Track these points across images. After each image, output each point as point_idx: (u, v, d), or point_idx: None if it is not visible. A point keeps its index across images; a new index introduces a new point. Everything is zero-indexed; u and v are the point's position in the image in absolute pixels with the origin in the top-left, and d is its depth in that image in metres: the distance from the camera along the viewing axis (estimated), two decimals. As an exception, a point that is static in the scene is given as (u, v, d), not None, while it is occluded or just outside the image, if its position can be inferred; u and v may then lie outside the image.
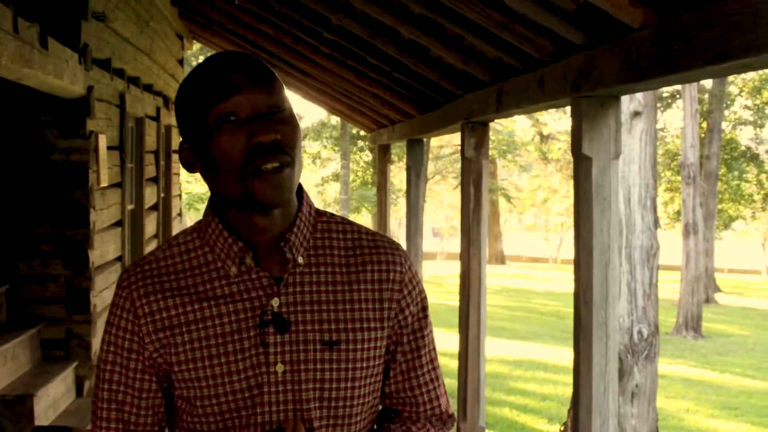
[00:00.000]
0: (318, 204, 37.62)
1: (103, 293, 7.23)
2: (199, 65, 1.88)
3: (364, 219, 40.37)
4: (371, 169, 34.75)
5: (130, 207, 8.54)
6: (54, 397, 6.19)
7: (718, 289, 31.32)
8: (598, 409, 4.26)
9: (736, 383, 16.40)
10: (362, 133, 31.24)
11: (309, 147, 36.14)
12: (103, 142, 7.06)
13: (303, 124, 34.13)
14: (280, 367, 1.84)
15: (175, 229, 12.51)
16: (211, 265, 1.89)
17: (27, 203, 6.66)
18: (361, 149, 34.22)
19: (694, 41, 3.04)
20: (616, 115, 4.24)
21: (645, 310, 9.34)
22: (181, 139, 1.93)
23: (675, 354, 18.64)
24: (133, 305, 1.88)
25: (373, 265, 1.93)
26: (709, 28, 2.93)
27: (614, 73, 3.77)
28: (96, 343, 6.94)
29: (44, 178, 6.67)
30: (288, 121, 1.82)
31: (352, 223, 2.01)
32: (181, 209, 13.81)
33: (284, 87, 1.88)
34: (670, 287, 24.37)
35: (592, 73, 4.03)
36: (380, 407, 2.03)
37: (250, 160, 1.77)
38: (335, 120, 32.95)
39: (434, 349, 2.04)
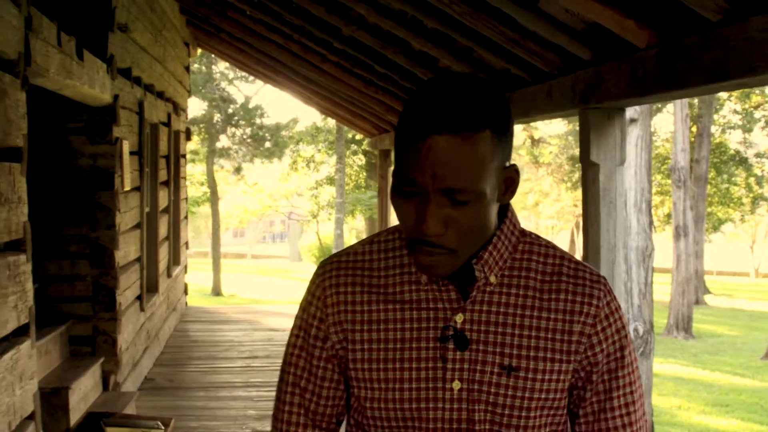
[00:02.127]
0: (312, 206, 37.95)
1: (126, 292, 7.56)
2: (414, 97, 1.73)
3: (358, 222, 40.73)
4: (364, 173, 35.08)
5: (146, 210, 8.87)
6: (84, 391, 6.51)
7: (707, 291, 31.79)
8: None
9: (726, 381, 16.81)
10: (357, 137, 31.57)
11: (303, 151, 36.40)
12: (126, 147, 7.40)
13: (298, 128, 34.43)
14: (456, 385, 1.80)
15: (184, 231, 12.85)
16: (405, 267, 1.87)
17: (55, 206, 6.97)
18: (355, 153, 34.52)
19: (697, 62, 3.39)
20: (621, 125, 4.61)
21: (641, 308, 9.73)
22: None
23: (666, 353, 19.03)
24: (324, 293, 1.89)
25: (568, 294, 1.84)
26: (710, 51, 3.29)
27: (621, 87, 4.12)
28: (121, 340, 7.28)
29: (71, 183, 6.99)
30: (471, 209, 1.70)
31: (555, 248, 1.91)
32: (187, 212, 14.14)
33: (489, 156, 1.68)
34: (660, 289, 24.77)
35: (600, 86, 4.38)
36: None
37: (412, 240, 1.74)
38: (330, 124, 33.23)
39: (633, 392, 1.89)
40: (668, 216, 29.81)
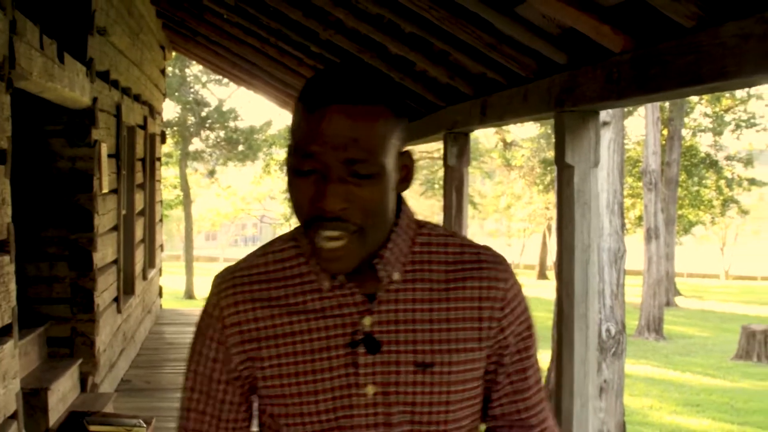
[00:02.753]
0: (285, 209, 37.98)
1: (104, 294, 7.60)
2: (310, 83, 1.70)
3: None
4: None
5: (123, 212, 8.91)
6: (63, 392, 6.55)
7: (678, 293, 32.05)
8: (579, 391, 4.72)
9: (697, 381, 16.99)
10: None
11: (277, 154, 36.43)
12: (104, 150, 7.45)
13: (271, 131, 34.43)
14: (370, 389, 1.76)
15: (159, 234, 12.88)
16: (305, 276, 1.81)
17: (34, 208, 7.00)
18: (327, 156, 34.56)
19: (670, 66, 3.49)
20: (595, 128, 4.70)
21: (612, 309, 9.85)
22: None
23: (638, 354, 19.19)
24: (221, 314, 1.82)
25: (473, 281, 1.81)
26: (683, 55, 3.38)
27: (597, 91, 4.22)
28: (99, 342, 7.32)
29: (50, 185, 7.02)
30: (372, 185, 1.66)
31: (455, 236, 1.90)
32: (162, 215, 14.16)
33: (389, 134, 1.67)
34: (631, 291, 24.95)
35: (575, 90, 4.48)
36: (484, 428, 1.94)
37: (310, 222, 1.68)
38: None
39: (539, 368, 1.94)
40: (639, 218, 30.01)
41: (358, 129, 1.62)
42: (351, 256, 1.69)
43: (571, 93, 4.54)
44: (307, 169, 1.65)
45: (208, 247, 63.31)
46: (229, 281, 1.83)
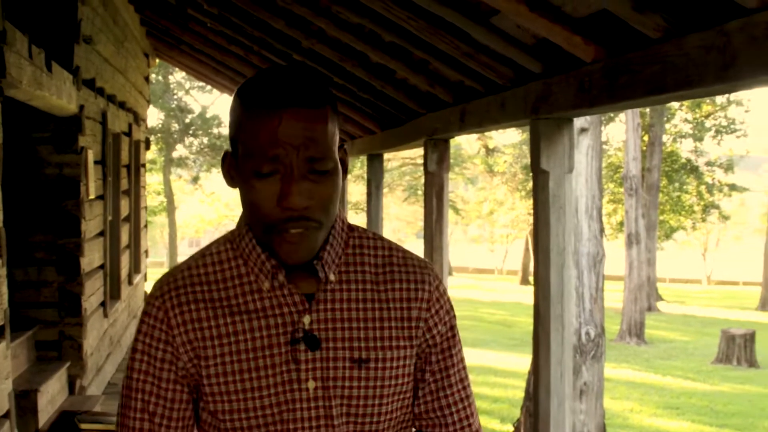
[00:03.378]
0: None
1: (91, 298, 7.72)
2: (258, 89, 1.79)
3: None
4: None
5: (109, 218, 9.02)
6: (52, 394, 6.67)
7: (659, 298, 32.28)
8: (555, 391, 4.87)
9: (678, 385, 17.17)
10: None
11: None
12: (91, 157, 7.57)
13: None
14: (311, 384, 1.85)
15: (143, 240, 12.98)
16: (243, 278, 1.89)
17: (22, 214, 7.12)
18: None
19: (638, 75, 3.65)
20: (569, 134, 4.86)
21: (592, 312, 10.01)
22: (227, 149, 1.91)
23: (619, 359, 19.38)
24: (166, 315, 1.87)
25: (402, 283, 1.93)
26: (650, 65, 3.54)
27: (569, 99, 4.37)
28: (86, 345, 7.43)
29: (38, 191, 7.15)
30: (327, 181, 1.77)
31: (383, 239, 2.00)
32: (146, 221, 14.27)
33: (335, 129, 1.80)
34: (613, 296, 25.19)
35: (549, 98, 4.63)
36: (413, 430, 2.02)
37: (277, 223, 1.77)
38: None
39: (464, 368, 2.04)
40: (621, 224, 30.25)
41: (315, 130, 1.73)
42: (310, 248, 1.79)
43: (545, 101, 4.69)
44: (268, 171, 1.74)
45: (192, 253, 63.23)
46: (172, 284, 1.90)
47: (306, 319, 1.85)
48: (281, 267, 1.84)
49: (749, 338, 19.24)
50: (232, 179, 1.88)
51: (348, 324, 1.87)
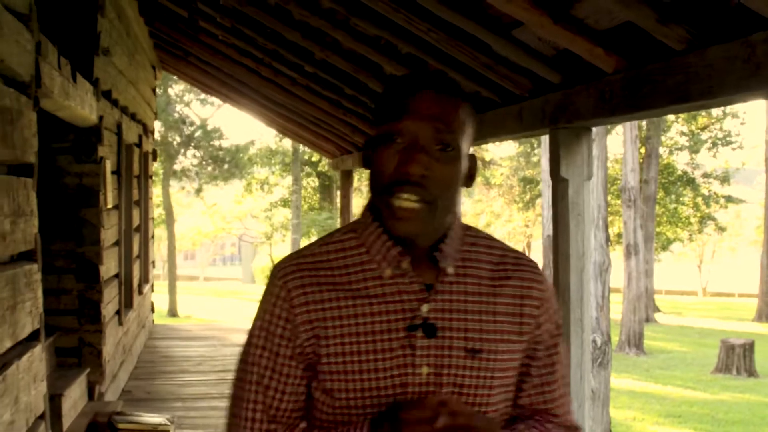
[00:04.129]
0: (266, 228, 38.20)
1: (108, 306, 7.84)
2: (401, 78, 1.97)
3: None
4: (318, 195, 35.40)
5: (123, 228, 9.15)
6: (74, 399, 6.78)
7: (657, 309, 32.42)
8: (575, 393, 5.01)
9: (678, 394, 17.31)
10: (313, 158, 31.91)
11: (257, 173, 36.64)
12: (108, 167, 7.70)
13: (252, 150, 34.65)
14: (425, 370, 1.92)
15: (151, 250, 13.10)
16: (365, 265, 1.97)
17: (42, 223, 7.22)
18: (309, 175, 34.83)
19: (660, 86, 3.78)
20: (588, 143, 5.00)
21: (598, 320, 10.15)
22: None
23: (620, 369, 19.49)
24: (289, 294, 1.96)
25: (515, 281, 2.02)
26: (672, 75, 3.68)
27: (590, 109, 4.50)
28: (105, 352, 7.55)
29: (57, 200, 7.26)
30: (447, 161, 1.87)
31: (494, 239, 2.10)
32: (154, 232, 14.38)
33: (466, 124, 1.92)
34: (612, 307, 25.38)
35: (569, 108, 4.77)
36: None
37: (391, 186, 1.86)
38: (284, 146, 33.50)
39: (565, 365, 2.11)
40: (618, 236, 30.40)
41: (444, 110, 1.86)
42: (421, 222, 1.88)
43: (565, 111, 4.82)
44: (395, 138, 1.87)
45: (187, 266, 63.22)
46: (295, 266, 2.00)
47: (424, 308, 1.93)
48: (406, 254, 1.93)
49: (748, 348, 19.38)
50: (366, 161, 1.97)
51: (464, 315, 1.95)
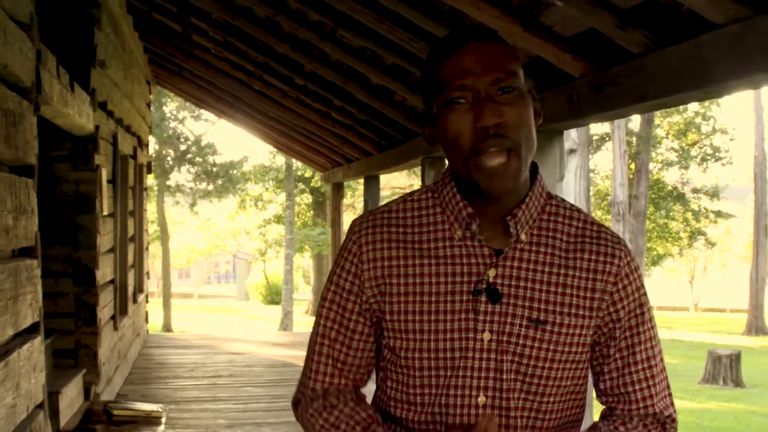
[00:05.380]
0: (260, 244, 38.38)
1: (104, 310, 8.08)
2: (440, 40, 1.95)
3: (304, 260, 41.15)
4: (311, 212, 35.62)
5: (119, 236, 9.38)
6: (71, 398, 7.00)
7: (648, 323, 32.56)
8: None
9: (665, 403, 17.50)
10: (307, 174, 32.16)
11: (251, 190, 36.86)
12: (104, 175, 7.95)
13: (246, 167, 34.89)
14: (486, 335, 1.90)
15: (146, 261, 13.34)
16: (438, 225, 1.97)
17: (40, 228, 7.45)
18: (303, 191, 35.06)
19: (621, 87, 4.05)
20: (560, 146, 5.28)
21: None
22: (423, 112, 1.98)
23: (608, 380, 19.69)
24: (360, 249, 1.98)
25: (591, 254, 1.96)
26: (632, 77, 3.95)
27: (559, 112, 4.77)
28: (101, 354, 7.78)
29: (55, 206, 7.50)
30: (516, 102, 1.85)
31: (580, 211, 2.04)
32: (148, 243, 14.62)
33: (517, 65, 1.90)
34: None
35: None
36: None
37: (474, 145, 1.84)
38: (278, 163, 33.72)
39: (654, 347, 2.02)
40: (609, 251, 30.60)
41: (494, 55, 1.87)
42: (510, 174, 1.85)
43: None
44: (457, 96, 1.85)
45: (181, 285, 63.17)
46: (370, 222, 2.02)
47: (491, 273, 1.92)
48: (476, 216, 1.93)
49: (735, 359, 19.60)
50: (430, 138, 2.00)
51: (531, 284, 1.93)
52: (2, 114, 4.13)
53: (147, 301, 13.83)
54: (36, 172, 4.97)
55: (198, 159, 31.92)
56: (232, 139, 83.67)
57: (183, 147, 31.76)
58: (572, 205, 2.05)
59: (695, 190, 34.75)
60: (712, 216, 34.51)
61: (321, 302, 2.05)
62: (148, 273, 13.99)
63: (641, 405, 2.00)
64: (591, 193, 31.50)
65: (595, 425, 2.01)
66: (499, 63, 1.85)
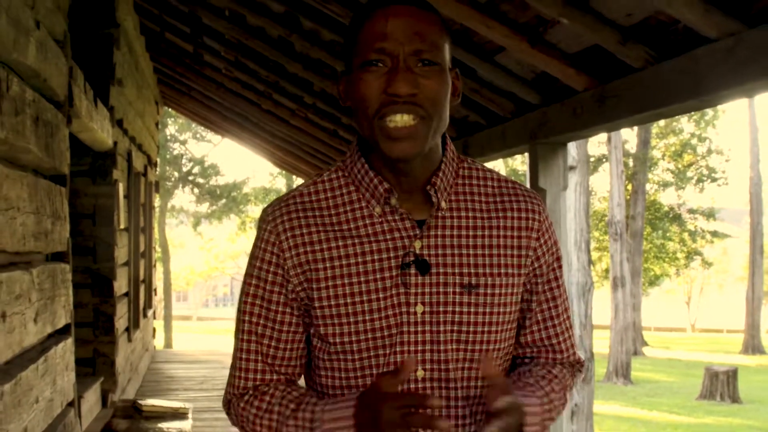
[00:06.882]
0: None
1: (120, 320, 8.34)
2: (367, 1, 1.86)
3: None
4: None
5: (132, 250, 9.65)
6: (90, 404, 7.26)
7: (645, 343, 32.80)
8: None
9: (663, 418, 17.75)
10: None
11: (252, 211, 37.08)
12: (122, 190, 8.23)
13: (246, 189, 35.12)
14: (419, 308, 1.83)
15: (154, 277, 13.60)
16: (355, 204, 1.89)
17: (60, 241, 7.74)
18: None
19: (622, 99, 4.34)
20: (564, 156, 5.55)
21: (581, 338, 10.66)
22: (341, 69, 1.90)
23: (606, 397, 19.93)
24: (278, 238, 1.88)
25: (513, 212, 1.92)
26: (631, 90, 4.23)
27: (564, 124, 5.05)
28: (118, 363, 8.04)
29: (74, 219, 7.76)
30: (434, 76, 1.78)
31: (492, 171, 1.99)
32: (156, 260, 14.87)
33: (444, 38, 1.83)
34: (599, 343, 25.80)
35: (546, 125, 5.32)
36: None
37: (381, 108, 1.77)
38: (278, 185, 33.95)
39: (567, 299, 2.03)
40: (606, 271, 30.90)
41: (420, 24, 1.79)
42: (418, 140, 1.79)
43: (542, 127, 5.37)
44: (375, 59, 1.78)
45: (179, 308, 63.24)
46: (284, 208, 1.92)
47: (417, 244, 1.86)
48: (393, 191, 1.86)
49: (732, 375, 19.83)
50: (343, 96, 1.90)
51: (458, 250, 1.88)
52: (42, 124, 4.40)
53: (155, 317, 14.07)
54: (68, 182, 5.24)
55: (200, 180, 32.13)
56: (233, 161, 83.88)
57: (186, 168, 31.99)
58: (482, 165, 2.01)
59: (691, 211, 35.02)
60: (708, 236, 34.76)
61: (242, 298, 1.96)
62: (155, 290, 14.24)
63: (566, 354, 2.03)
64: (589, 214, 31.69)
65: (523, 371, 1.99)
66: (424, 33, 1.79)
